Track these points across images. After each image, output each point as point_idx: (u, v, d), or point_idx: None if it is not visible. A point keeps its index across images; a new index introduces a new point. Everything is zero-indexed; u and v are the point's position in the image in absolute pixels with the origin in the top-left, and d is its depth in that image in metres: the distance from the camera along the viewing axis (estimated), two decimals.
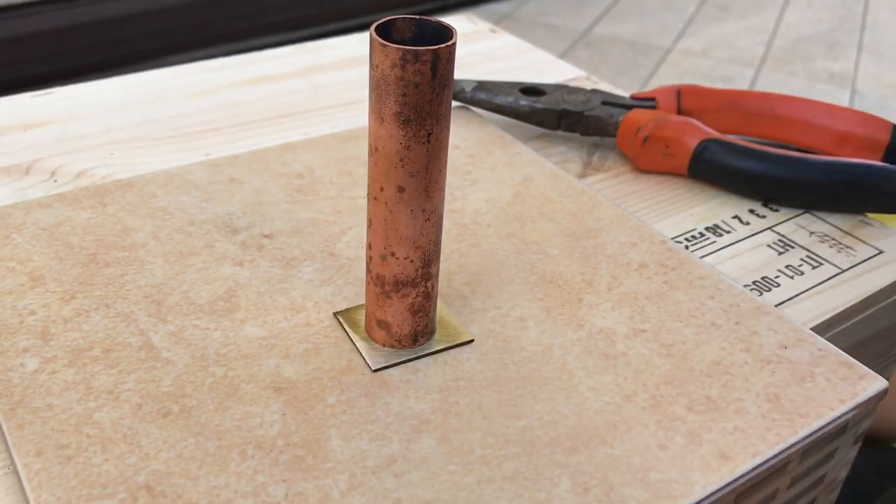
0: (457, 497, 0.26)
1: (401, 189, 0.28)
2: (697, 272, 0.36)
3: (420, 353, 0.31)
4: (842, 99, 1.69)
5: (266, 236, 0.37)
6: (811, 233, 0.42)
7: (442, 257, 0.36)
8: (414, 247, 0.29)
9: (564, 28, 2.05)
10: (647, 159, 0.45)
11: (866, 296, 0.38)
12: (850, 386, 0.31)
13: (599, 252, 0.37)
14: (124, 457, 0.27)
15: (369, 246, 0.30)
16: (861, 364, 0.32)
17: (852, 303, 0.37)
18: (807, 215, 0.43)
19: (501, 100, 0.47)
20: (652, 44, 1.98)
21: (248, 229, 0.37)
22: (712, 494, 0.27)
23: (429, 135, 0.27)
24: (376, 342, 0.31)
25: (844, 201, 0.43)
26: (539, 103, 0.47)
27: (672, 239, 0.40)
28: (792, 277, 0.39)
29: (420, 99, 0.26)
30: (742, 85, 1.75)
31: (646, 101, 0.48)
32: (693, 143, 0.44)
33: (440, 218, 0.29)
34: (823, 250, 0.41)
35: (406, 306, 0.30)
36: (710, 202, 0.44)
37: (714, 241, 0.41)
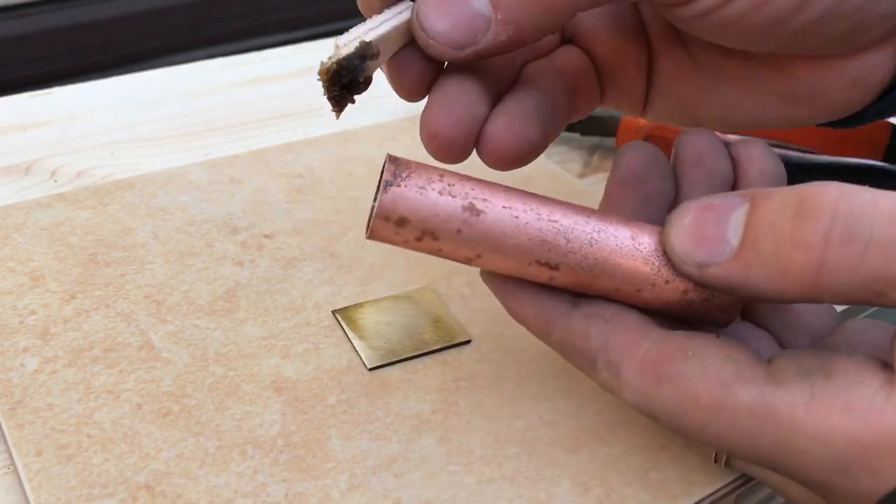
0: (457, 497, 0.26)
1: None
2: None
3: (416, 353, 0.31)
4: None
5: (266, 236, 0.37)
6: None
7: None
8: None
9: None
10: None
11: None
12: None
13: None
14: (124, 457, 0.27)
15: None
16: None
17: None
18: None
19: None
20: None
21: (248, 229, 0.37)
22: (712, 494, 0.27)
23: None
24: None
25: None
26: None
27: None
28: None
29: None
30: None
31: None
32: None
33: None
34: None
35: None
36: None
37: None
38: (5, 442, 0.28)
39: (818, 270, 0.21)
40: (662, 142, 0.44)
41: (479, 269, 0.25)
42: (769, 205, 0.22)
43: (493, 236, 0.23)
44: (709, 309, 0.25)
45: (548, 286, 0.25)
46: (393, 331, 0.32)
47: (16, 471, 0.27)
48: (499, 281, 0.25)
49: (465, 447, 0.28)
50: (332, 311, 0.33)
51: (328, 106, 0.23)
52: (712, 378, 0.22)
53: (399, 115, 0.48)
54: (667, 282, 0.24)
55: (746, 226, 0.22)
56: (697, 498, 0.27)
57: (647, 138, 0.45)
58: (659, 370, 0.23)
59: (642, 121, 0.45)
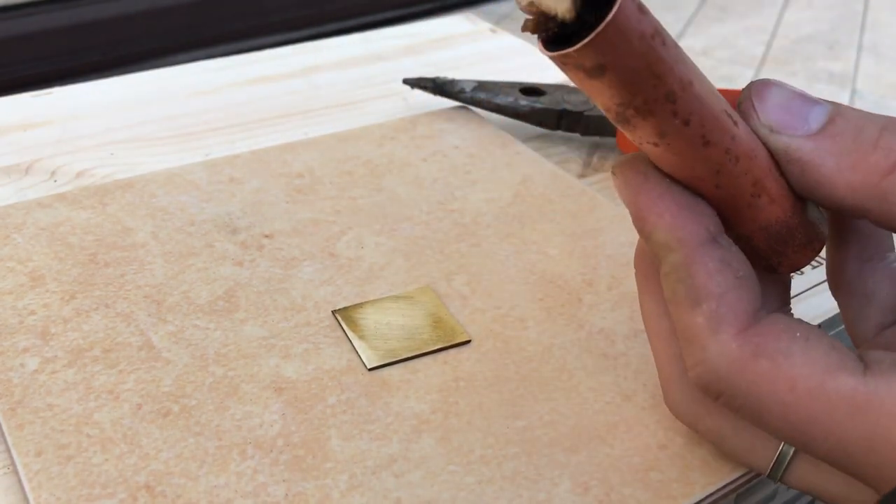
0: (457, 497, 0.26)
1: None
2: None
3: (416, 353, 0.31)
4: (842, 99, 1.69)
5: (266, 236, 0.37)
6: None
7: (441, 257, 0.36)
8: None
9: None
10: None
11: None
12: None
13: (599, 252, 0.37)
14: (124, 457, 0.27)
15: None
16: None
17: None
18: None
19: (501, 100, 0.47)
20: None
21: (248, 229, 0.37)
22: (712, 494, 0.27)
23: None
24: None
25: None
26: (539, 103, 0.47)
27: None
28: (792, 277, 0.39)
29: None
30: (742, 85, 1.75)
31: None
32: None
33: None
34: (824, 250, 0.41)
35: None
36: None
37: None
38: (5, 442, 0.28)
39: (886, 174, 0.22)
40: None
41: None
42: (855, 113, 0.23)
43: (693, 64, 0.22)
44: (787, 244, 0.25)
45: (688, 201, 0.23)
46: (393, 331, 0.32)
47: (16, 471, 0.27)
48: (639, 179, 0.24)
49: (465, 447, 0.28)
50: (332, 311, 0.33)
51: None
52: (816, 363, 0.22)
53: (399, 115, 0.48)
54: (773, 201, 0.24)
55: (831, 118, 0.23)
56: (697, 498, 0.27)
57: None
58: (761, 344, 0.22)
59: None
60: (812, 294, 0.38)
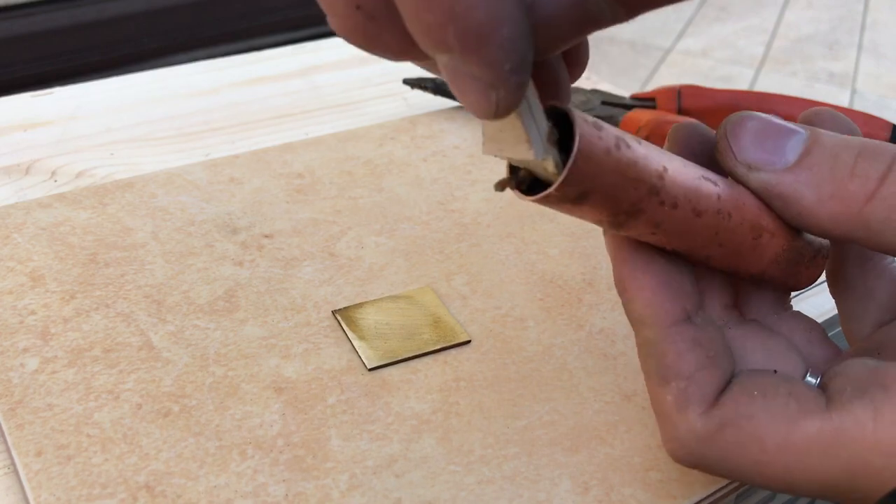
0: (457, 497, 0.26)
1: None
2: None
3: (416, 353, 0.31)
4: (842, 99, 1.69)
5: (266, 236, 0.37)
6: None
7: (442, 257, 0.36)
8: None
9: None
10: None
11: None
12: None
13: (599, 252, 0.37)
14: (124, 457, 0.27)
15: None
16: None
17: None
18: None
19: None
20: (652, 44, 1.98)
21: (248, 229, 0.37)
22: (712, 494, 0.27)
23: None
24: None
25: None
26: None
27: None
28: None
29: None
30: (742, 85, 1.75)
31: (646, 102, 0.48)
32: None
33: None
34: None
35: None
36: None
37: None
38: (5, 442, 0.28)
39: (865, 201, 0.22)
40: (663, 142, 0.44)
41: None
42: (831, 140, 0.23)
43: (656, 148, 0.22)
44: (798, 264, 0.26)
45: (669, 279, 0.24)
46: (393, 331, 0.32)
47: (16, 471, 0.27)
48: (626, 253, 0.24)
49: (465, 447, 0.28)
50: (332, 311, 0.33)
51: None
52: (777, 417, 0.22)
53: (399, 115, 0.48)
54: (773, 235, 0.24)
55: (807, 149, 0.23)
56: (697, 498, 0.27)
57: (648, 137, 0.45)
58: (724, 415, 0.23)
59: (642, 121, 0.45)
60: (812, 294, 0.38)
